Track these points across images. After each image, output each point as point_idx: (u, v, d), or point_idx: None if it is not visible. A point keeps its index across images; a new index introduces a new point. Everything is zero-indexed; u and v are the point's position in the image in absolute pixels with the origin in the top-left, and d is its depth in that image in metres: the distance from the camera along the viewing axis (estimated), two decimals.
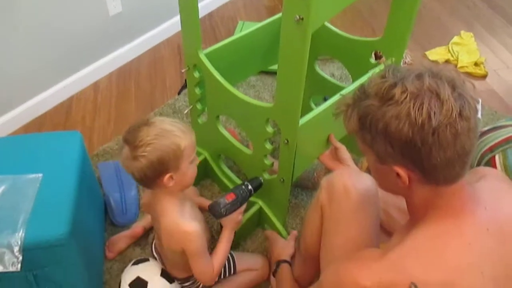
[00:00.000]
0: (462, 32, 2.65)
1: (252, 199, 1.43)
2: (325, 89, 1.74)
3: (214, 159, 1.63)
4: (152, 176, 1.09)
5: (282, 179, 1.34)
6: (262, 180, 1.35)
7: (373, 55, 1.55)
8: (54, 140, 1.35)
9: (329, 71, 2.31)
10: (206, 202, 1.44)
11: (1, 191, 1.16)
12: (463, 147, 0.73)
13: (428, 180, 0.77)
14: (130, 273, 1.29)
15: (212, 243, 1.32)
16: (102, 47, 2.21)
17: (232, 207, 1.26)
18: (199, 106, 1.52)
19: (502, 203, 0.83)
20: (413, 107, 0.70)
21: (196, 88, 1.47)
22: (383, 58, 1.56)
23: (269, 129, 1.27)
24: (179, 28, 1.38)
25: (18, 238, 1.06)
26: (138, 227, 1.50)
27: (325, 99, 1.87)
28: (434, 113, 0.70)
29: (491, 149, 1.48)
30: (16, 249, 1.06)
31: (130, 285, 1.26)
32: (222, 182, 1.65)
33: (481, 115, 2.09)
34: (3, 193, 1.16)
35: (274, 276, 1.35)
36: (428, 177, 0.76)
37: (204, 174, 1.71)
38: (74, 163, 1.28)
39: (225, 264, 1.34)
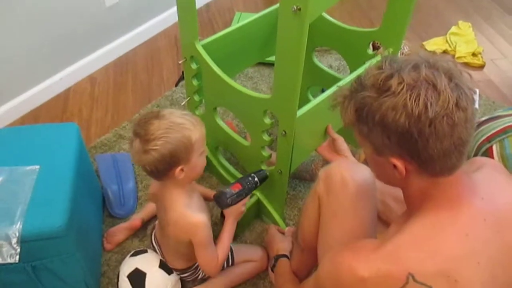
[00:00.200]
0: (460, 22, 2.65)
1: None
2: (323, 80, 1.74)
3: (212, 151, 1.63)
4: (163, 169, 1.10)
5: (280, 171, 1.35)
6: (267, 173, 1.36)
7: (371, 46, 1.55)
8: (51, 132, 1.34)
9: (327, 62, 2.30)
10: (210, 192, 1.45)
11: None
12: (460, 138, 0.72)
13: (425, 171, 0.77)
14: (129, 265, 1.30)
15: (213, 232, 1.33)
16: (99, 38, 2.19)
17: (238, 198, 1.27)
18: (196, 97, 1.52)
19: (499, 193, 0.83)
20: (410, 98, 0.70)
21: (193, 80, 1.46)
22: (381, 49, 1.56)
23: (267, 120, 1.27)
24: (176, 19, 1.37)
25: (16, 230, 1.07)
26: (136, 219, 1.51)
27: (322, 91, 1.86)
28: (431, 104, 0.70)
29: (489, 139, 1.48)
30: (14, 241, 1.06)
31: (128, 276, 1.27)
32: (220, 174, 1.65)
33: (479, 105, 2.09)
34: (0, 185, 1.16)
35: (272, 271, 1.36)
36: (425, 168, 0.76)
37: None
38: (71, 154, 1.27)
39: None
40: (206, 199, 1.35)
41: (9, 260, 1.08)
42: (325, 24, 1.62)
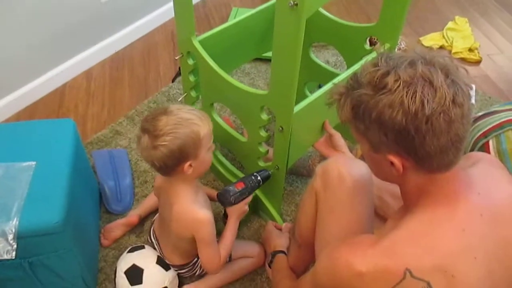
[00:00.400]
0: (456, 17, 2.65)
1: None
2: (320, 76, 1.74)
3: None
4: (172, 165, 1.10)
5: (277, 167, 1.35)
6: (270, 173, 1.36)
7: (368, 41, 1.55)
8: (47, 128, 1.34)
9: (323, 57, 2.30)
10: (212, 192, 1.45)
11: None
12: (456, 134, 0.73)
13: (422, 168, 0.77)
14: (126, 261, 1.30)
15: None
16: (95, 33, 2.18)
17: (241, 196, 1.27)
18: (193, 93, 1.52)
19: (496, 188, 0.83)
20: (406, 96, 0.70)
21: (190, 76, 1.46)
22: (378, 44, 1.55)
23: (264, 116, 1.27)
24: (173, 15, 1.36)
25: (12, 226, 1.06)
26: (133, 216, 1.51)
27: (319, 86, 1.86)
28: (428, 101, 0.70)
29: (485, 135, 1.48)
30: (10, 237, 1.06)
31: (125, 272, 1.27)
32: (217, 170, 1.65)
33: (475, 100, 2.10)
34: None
35: (269, 266, 1.36)
36: (422, 164, 0.76)
37: None
38: (67, 150, 1.27)
39: None
40: (209, 198, 1.35)
41: (5, 256, 1.08)
42: (322, 20, 1.62)
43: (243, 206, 1.29)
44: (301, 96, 1.41)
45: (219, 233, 1.27)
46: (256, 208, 1.57)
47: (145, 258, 1.31)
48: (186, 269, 1.33)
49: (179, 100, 1.58)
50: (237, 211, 1.28)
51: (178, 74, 2.13)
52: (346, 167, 1.05)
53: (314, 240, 1.10)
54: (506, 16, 2.72)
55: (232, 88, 1.29)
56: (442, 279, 0.72)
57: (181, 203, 1.17)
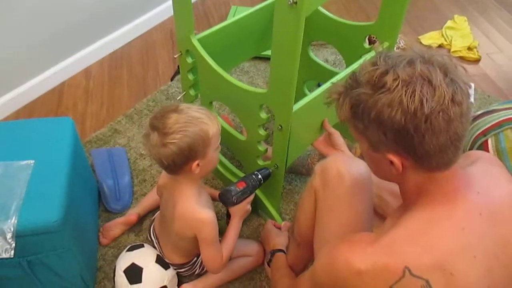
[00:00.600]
0: (455, 16, 2.65)
1: None
2: (319, 75, 1.74)
3: None
4: (180, 163, 1.10)
5: (276, 165, 1.34)
6: (271, 171, 1.36)
7: (367, 40, 1.55)
8: (45, 126, 1.33)
9: (323, 56, 2.30)
10: (214, 192, 1.46)
11: None
12: (455, 133, 0.73)
13: (421, 167, 0.77)
14: (125, 260, 1.30)
15: None
16: (94, 32, 2.18)
17: (243, 196, 1.27)
18: (192, 92, 1.51)
19: (495, 187, 0.83)
20: (405, 95, 0.70)
21: (189, 74, 1.46)
22: (377, 43, 1.55)
23: (263, 115, 1.27)
24: (172, 13, 1.36)
25: (11, 225, 1.06)
26: (132, 214, 1.50)
27: (319, 85, 1.86)
28: (427, 100, 0.70)
29: (484, 133, 1.48)
30: (9, 236, 1.06)
31: (125, 271, 1.27)
32: (216, 169, 1.65)
33: (474, 99, 2.10)
34: None
35: (269, 265, 1.36)
36: (421, 163, 0.76)
37: None
38: (66, 149, 1.27)
39: None
40: (212, 199, 1.35)
41: (4, 255, 1.07)
42: (321, 18, 1.62)
43: (246, 206, 1.29)
44: (300, 95, 1.41)
45: (220, 233, 1.27)
46: (255, 207, 1.57)
47: (144, 257, 1.31)
48: (186, 268, 1.33)
49: (178, 98, 1.58)
50: (240, 211, 1.29)
51: (177, 72, 2.13)
52: (345, 166, 1.05)
53: (313, 238, 1.10)
54: (505, 15, 2.73)
55: (231, 87, 1.29)
56: (441, 277, 0.72)
57: (184, 202, 1.17)
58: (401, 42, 2.39)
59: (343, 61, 1.70)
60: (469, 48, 2.41)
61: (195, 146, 1.09)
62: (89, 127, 1.90)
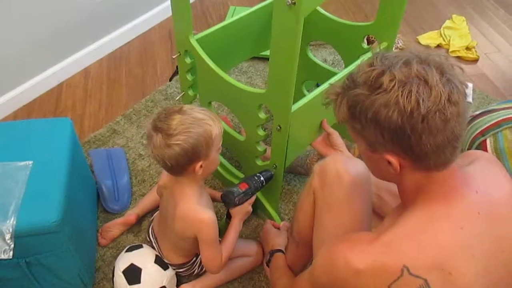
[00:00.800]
0: (454, 16, 2.65)
1: None
2: (318, 75, 1.74)
3: None
4: (183, 164, 1.11)
5: (274, 165, 1.34)
6: (273, 173, 1.36)
7: (365, 40, 1.55)
8: (44, 127, 1.33)
9: (321, 56, 2.30)
10: (214, 192, 1.46)
11: None
12: (452, 132, 0.73)
13: (419, 166, 0.77)
14: (124, 260, 1.29)
15: None
16: (92, 32, 2.17)
17: (245, 197, 1.28)
18: (191, 92, 1.51)
19: (493, 186, 0.83)
20: (402, 95, 0.70)
21: (187, 74, 1.46)
22: (376, 43, 1.55)
23: (262, 115, 1.27)
24: (170, 13, 1.36)
25: (9, 225, 1.06)
26: (131, 215, 1.50)
27: (317, 85, 1.86)
28: (423, 100, 0.70)
29: (482, 133, 1.48)
30: (7, 236, 1.06)
31: (124, 272, 1.27)
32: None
33: (472, 99, 2.10)
34: None
35: (267, 265, 1.36)
36: (419, 163, 0.77)
37: None
38: (64, 149, 1.26)
39: None
40: (212, 199, 1.36)
41: (2, 256, 1.07)
42: (319, 18, 1.62)
43: (247, 207, 1.30)
44: (299, 95, 1.41)
45: (219, 233, 1.27)
46: (254, 207, 1.57)
47: (143, 258, 1.30)
48: (185, 268, 1.33)
49: (176, 99, 1.58)
50: (241, 212, 1.29)
51: (176, 72, 2.13)
52: (344, 166, 1.05)
53: (312, 238, 1.10)
54: (503, 15, 2.73)
55: (230, 87, 1.29)
56: (440, 277, 0.73)
57: (186, 203, 1.17)
58: (399, 42, 2.39)
59: (342, 61, 1.71)
60: (468, 48, 2.41)
61: (198, 147, 1.09)
62: (88, 127, 1.90)
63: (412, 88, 0.70)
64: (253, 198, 1.32)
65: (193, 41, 1.34)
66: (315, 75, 1.76)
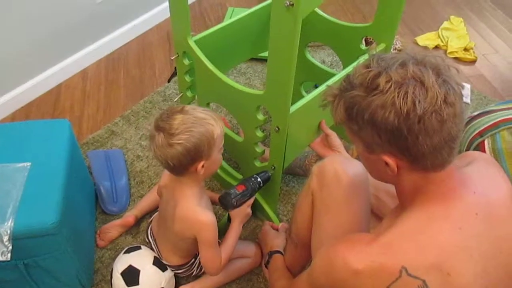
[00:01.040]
0: (452, 17, 2.65)
1: None
2: (316, 76, 1.74)
3: None
4: (185, 164, 1.11)
5: (273, 167, 1.35)
6: (270, 174, 1.36)
7: (363, 41, 1.55)
8: (42, 128, 1.33)
9: (319, 57, 2.30)
10: (213, 195, 1.46)
11: None
12: (449, 133, 0.73)
13: (416, 167, 0.77)
14: (122, 262, 1.29)
15: None
16: (90, 33, 2.17)
17: (243, 199, 1.27)
18: (189, 93, 1.51)
19: (491, 187, 0.84)
20: (398, 96, 0.71)
21: (186, 76, 1.46)
22: (374, 44, 1.56)
23: (260, 116, 1.27)
24: (169, 15, 1.36)
25: (7, 227, 1.06)
26: (130, 216, 1.50)
27: (316, 86, 1.87)
28: (419, 101, 0.70)
29: (480, 134, 1.49)
30: (5, 238, 1.06)
31: (122, 273, 1.26)
32: None
33: (470, 100, 2.10)
34: None
35: (266, 267, 1.36)
36: (416, 164, 0.77)
37: None
38: (63, 151, 1.26)
39: None
40: (211, 203, 1.35)
41: (0, 258, 1.07)
42: (318, 20, 1.62)
43: (246, 209, 1.30)
44: (297, 96, 1.41)
45: (218, 235, 1.27)
46: (253, 208, 1.57)
47: (142, 259, 1.30)
48: (183, 270, 1.33)
49: (175, 100, 1.58)
50: (240, 214, 1.29)
51: (174, 74, 2.13)
52: (342, 167, 1.05)
53: (311, 239, 1.10)
54: (501, 16, 2.74)
55: (228, 88, 1.29)
56: (438, 277, 0.73)
57: (186, 203, 1.17)
58: (397, 43, 2.40)
59: (340, 62, 1.71)
60: (466, 49, 2.41)
61: (201, 146, 1.09)
62: (86, 128, 1.90)
63: (408, 89, 0.71)
64: (252, 200, 1.31)
65: (191, 43, 1.34)
66: (313, 76, 1.76)
